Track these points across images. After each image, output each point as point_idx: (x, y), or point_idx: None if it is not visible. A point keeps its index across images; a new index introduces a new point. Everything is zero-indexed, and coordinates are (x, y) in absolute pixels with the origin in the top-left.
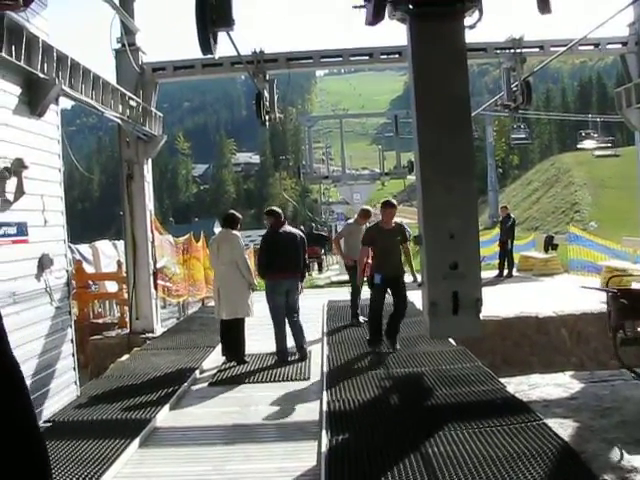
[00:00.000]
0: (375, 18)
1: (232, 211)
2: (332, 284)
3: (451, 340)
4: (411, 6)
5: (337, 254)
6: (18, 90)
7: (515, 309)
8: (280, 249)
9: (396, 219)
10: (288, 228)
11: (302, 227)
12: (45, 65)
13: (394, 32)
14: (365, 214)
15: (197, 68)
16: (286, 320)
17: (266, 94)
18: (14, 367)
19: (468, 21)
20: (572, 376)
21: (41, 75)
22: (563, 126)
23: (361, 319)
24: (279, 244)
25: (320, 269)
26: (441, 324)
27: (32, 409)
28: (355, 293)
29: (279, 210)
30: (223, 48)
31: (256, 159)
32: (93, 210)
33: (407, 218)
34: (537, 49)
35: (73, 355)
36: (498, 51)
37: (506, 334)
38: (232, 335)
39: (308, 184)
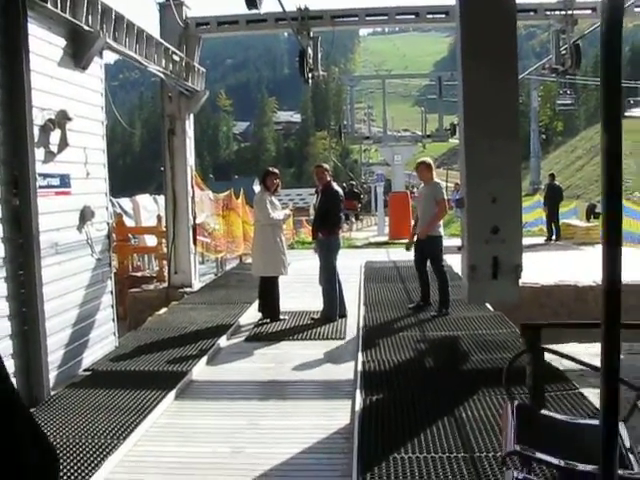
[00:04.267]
0: None
1: (269, 167)
2: (370, 245)
3: (488, 305)
4: None
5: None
6: (63, 42)
7: (554, 277)
8: (340, 206)
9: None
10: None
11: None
12: (90, 17)
13: None
14: (427, 167)
15: (241, 24)
16: None
17: (310, 52)
18: None
19: None
20: None
21: (86, 27)
22: None
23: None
24: (341, 201)
25: (357, 219)
26: (479, 288)
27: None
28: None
29: None
30: (268, 4)
31: (297, 118)
32: (134, 165)
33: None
34: (589, 11)
35: (112, 306)
36: (548, 12)
37: (544, 302)
38: (268, 292)
39: (349, 144)
